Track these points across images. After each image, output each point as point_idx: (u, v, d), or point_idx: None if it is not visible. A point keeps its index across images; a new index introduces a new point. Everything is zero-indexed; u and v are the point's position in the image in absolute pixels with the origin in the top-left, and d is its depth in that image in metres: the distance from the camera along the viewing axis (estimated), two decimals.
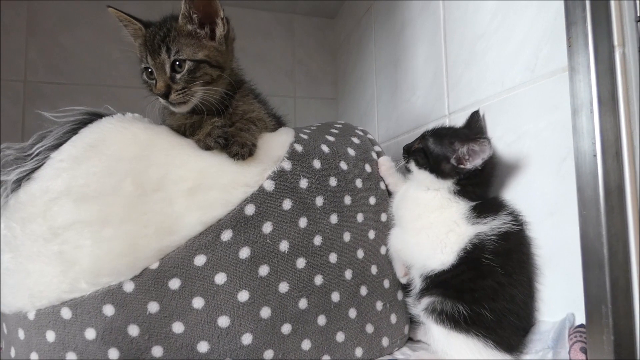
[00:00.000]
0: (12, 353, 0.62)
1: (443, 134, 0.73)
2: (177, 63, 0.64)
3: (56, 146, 0.59)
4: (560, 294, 0.64)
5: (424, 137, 0.75)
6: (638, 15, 0.52)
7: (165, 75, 0.64)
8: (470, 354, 0.61)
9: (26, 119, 1.34)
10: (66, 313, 0.58)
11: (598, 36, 0.54)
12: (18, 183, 0.59)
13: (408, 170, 0.77)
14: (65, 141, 0.60)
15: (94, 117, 0.62)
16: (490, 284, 0.63)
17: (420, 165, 0.73)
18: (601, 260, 0.52)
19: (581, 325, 0.58)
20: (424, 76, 1.02)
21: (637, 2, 0.53)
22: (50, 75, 1.38)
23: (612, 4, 0.54)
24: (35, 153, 0.58)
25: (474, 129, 0.78)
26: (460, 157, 0.68)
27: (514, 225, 0.67)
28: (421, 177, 0.73)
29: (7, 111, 1.32)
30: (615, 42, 0.54)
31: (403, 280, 0.78)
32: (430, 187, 0.72)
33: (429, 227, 0.69)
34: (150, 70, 0.65)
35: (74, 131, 0.60)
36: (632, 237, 0.52)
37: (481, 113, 0.79)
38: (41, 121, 0.60)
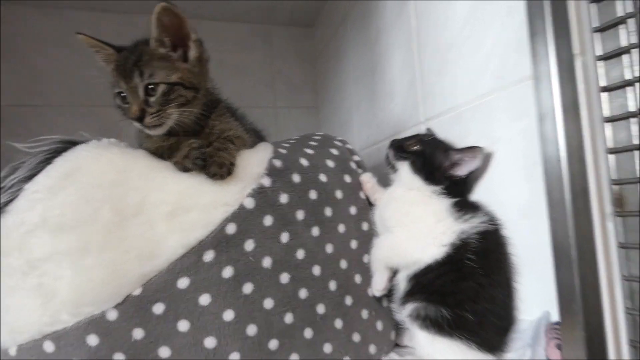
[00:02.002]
0: None
1: (437, 142, 0.76)
2: (151, 86, 0.64)
3: (30, 177, 0.59)
4: (536, 292, 0.66)
5: (421, 141, 0.77)
6: (594, 25, 0.54)
7: (139, 99, 0.64)
8: (454, 356, 0.63)
9: (2, 144, 1.31)
10: (49, 346, 0.57)
11: (559, 46, 0.57)
12: None
13: (393, 168, 0.78)
14: (39, 172, 0.59)
15: (68, 145, 0.61)
16: (471, 286, 0.65)
17: (415, 170, 0.75)
18: (570, 260, 0.54)
19: (557, 323, 0.60)
20: (401, 84, 1.03)
21: (595, 12, 0.56)
22: (25, 98, 1.35)
23: (571, 15, 0.56)
24: (9, 185, 0.58)
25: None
26: (453, 165, 0.73)
27: (491, 225, 0.69)
28: (408, 180, 0.75)
29: None
30: (575, 51, 0.57)
31: (378, 294, 0.76)
32: (414, 188, 0.75)
33: (419, 220, 0.71)
34: (123, 94, 0.65)
35: (47, 161, 0.60)
36: (599, 237, 0.54)
37: (454, 120, 0.82)
38: (14, 152, 0.59)
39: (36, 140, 0.60)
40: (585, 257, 0.55)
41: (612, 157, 0.55)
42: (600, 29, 0.53)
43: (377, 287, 0.76)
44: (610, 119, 0.52)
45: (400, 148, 0.78)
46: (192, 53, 0.68)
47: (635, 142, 0.51)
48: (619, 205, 0.53)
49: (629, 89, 0.50)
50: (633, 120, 0.52)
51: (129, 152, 0.64)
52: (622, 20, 0.50)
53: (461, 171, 0.72)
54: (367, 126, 1.26)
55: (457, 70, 0.82)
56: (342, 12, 1.41)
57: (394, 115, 1.08)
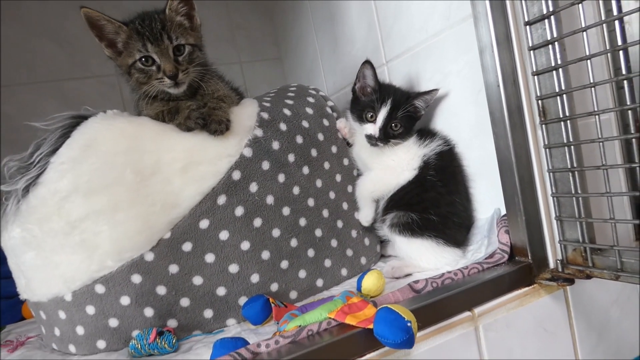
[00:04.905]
0: (57, 332, 0.73)
1: (401, 100, 0.84)
2: (178, 48, 0.74)
3: (53, 151, 0.66)
4: (488, 195, 0.83)
5: (395, 108, 0.83)
6: None
7: (170, 59, 0.73)
8: (427, 253, 0.79)
9: None
10: (100, 288, 0.68)
11: None
12: (26, 190, 0.66)
13: (376, 145, 0.85)
14: (60, 146, 0.67)
15: (79, 119, 0.69)
16: (432, 195, 0.81)
17: (402, 137, 0.85)
18: (510, 164, 0.69)
19: (505, 215, 0.77)
20: (360, 30, 1.12)
21: None
22: None
23: None
24: (37, 161, 0.65)
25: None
26: (419, 111, 0.86)
27: (445, 146, 0.85)
28: (395, 147, 0.85)
29: None
30: None
31: (367, 224, 0.90)
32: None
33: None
34: (145, 58, 0.72)
35: (65, 135, 0.67)
36: (531, 144, 0.69)
37: (412, 59, 0.93)
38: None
39: (51, 118, 0.67)
40: (522, 159, 0.70)
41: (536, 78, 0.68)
42: None
43: (367, 218, 0.89)
44: (534, 47, 0.65)
45: (387, 135, 0.84)
46: (197, 20, 0.78)
47: (553, 64, 0.64)
48: (544, 115, 0.67)
49: (546, 21, 0.63)
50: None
51: (135, 120, 0.72)
52: None
53: (422, 112, 0.87)
54: (332, 73, 1.34)
55: (411, 13, 0.91)
56: None
57: (356, 60, 1.16)
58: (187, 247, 0.71)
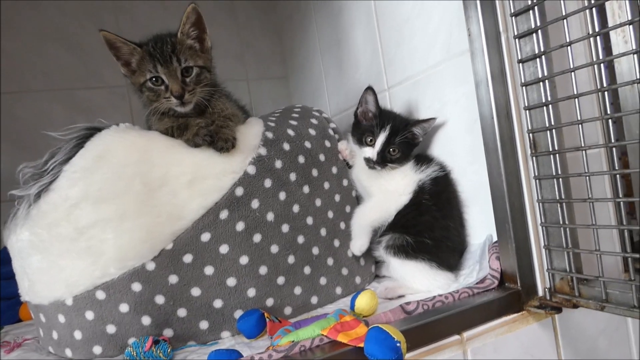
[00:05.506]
0: (55, 335, 0.75)
1: (400, 126, 0.87)
2: (186, 70, 0.78)
3: (66, 160, 0.70)
4: (481, 221, 0.85)
5: (393, 133, 0.86)
6: (513, 10, 0.69)
7: (178, 80, 0.77)
8: (420, 275, 0.82)
9: None
10: (101, 294, 0.70)
11: (488, 26, 0.72)
12: (38, 195, 0.69)
13: (374, 168, 0.88)
14: (73, 155, 0.70)
15: (93, 130, 0.72)
16: (427, 219, 0.84)
17: (400, 162, 0.88)
18: (502, 192, 0.72)
19: (496, 241, 0.80)
20: (364, 55, 1.17)
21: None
22: (4, 86, 1.37)
23: (497, 3, 0.71)
24: (50, 168, 0.68)
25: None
26: (416, 138, 0.89)
27: (441, 171, 0.88)
28: (392, 171, 0.88)
29: None
30: (501, 29, 0.72)
31: (359, 254, 0.91)
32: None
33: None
34: (155, 78, 0.78)
35: (79, 145, 0.70)
36: (522, 173, 0.72)
37: (412, 87, 0.97)
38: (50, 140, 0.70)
39: (67, 129, 0.71)
40: (513, 189, 0.73)
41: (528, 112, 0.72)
42: (516, 14, 0.69)
43: (362, 249, 0.90)
44: (526, 84, 0.69)
45: (385, 159, 0.88)
46: (208, 44, 0.83)
47: (543, 100, 0.68)
48: (534, 148, 0.70)
49: (538, 60, 0.67)
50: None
51: (145, 134, 0.76)
52: (532, 7, 0.66)
53: (420, 139, 0.90)
54: (336, 94, 1.39)
55: (413, 44, 0.96)
56: None
57: (360, 83, 1.22)
58: (187, 258, 0.73)
